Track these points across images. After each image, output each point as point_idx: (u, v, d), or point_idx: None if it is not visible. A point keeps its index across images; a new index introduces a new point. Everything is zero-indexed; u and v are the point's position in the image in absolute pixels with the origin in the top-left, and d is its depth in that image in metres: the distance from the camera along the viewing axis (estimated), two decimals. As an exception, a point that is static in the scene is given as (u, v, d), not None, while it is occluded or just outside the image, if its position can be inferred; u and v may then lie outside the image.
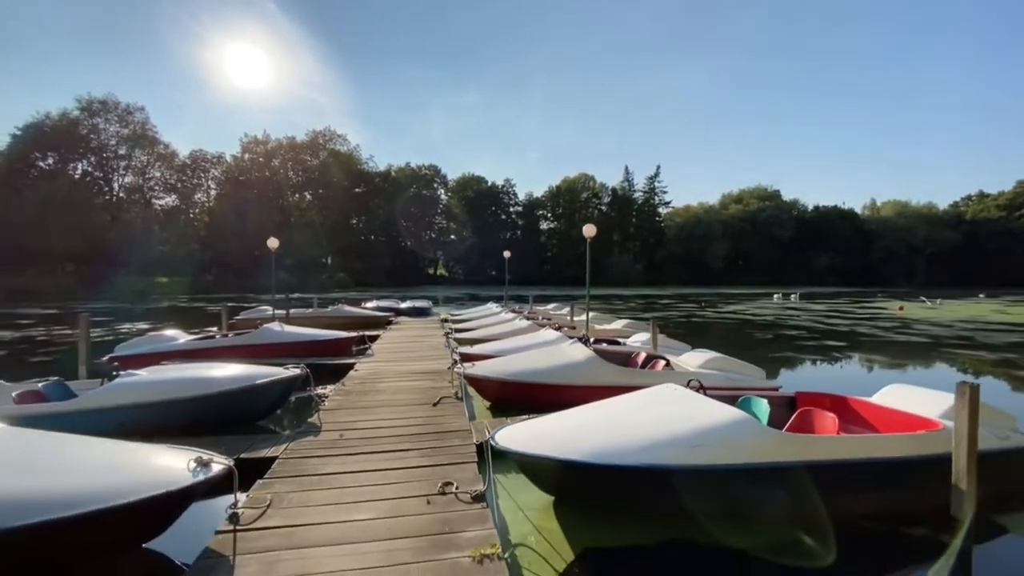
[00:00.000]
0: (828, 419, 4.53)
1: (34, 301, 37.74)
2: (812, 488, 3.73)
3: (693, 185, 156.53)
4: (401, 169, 79.63)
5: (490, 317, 16.82)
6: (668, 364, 7.55)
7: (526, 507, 4.25)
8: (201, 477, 3.47)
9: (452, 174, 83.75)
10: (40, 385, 5.85)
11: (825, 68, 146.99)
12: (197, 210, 70.12)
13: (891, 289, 64.48)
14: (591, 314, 15.85)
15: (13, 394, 5.50)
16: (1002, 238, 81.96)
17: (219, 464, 3.62)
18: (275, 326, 11.23)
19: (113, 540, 3.34)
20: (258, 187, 68.21)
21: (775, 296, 41.57)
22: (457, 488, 4.05)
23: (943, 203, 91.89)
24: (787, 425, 4.75)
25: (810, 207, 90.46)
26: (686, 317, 25.50)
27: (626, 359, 8.26)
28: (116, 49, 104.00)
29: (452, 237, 79.26)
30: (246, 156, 71.96)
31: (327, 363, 9.66)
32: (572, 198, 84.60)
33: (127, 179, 66.75)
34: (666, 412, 4.34)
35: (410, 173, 79.34)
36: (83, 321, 8.26)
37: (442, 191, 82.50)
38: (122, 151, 65.55)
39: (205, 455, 3.66)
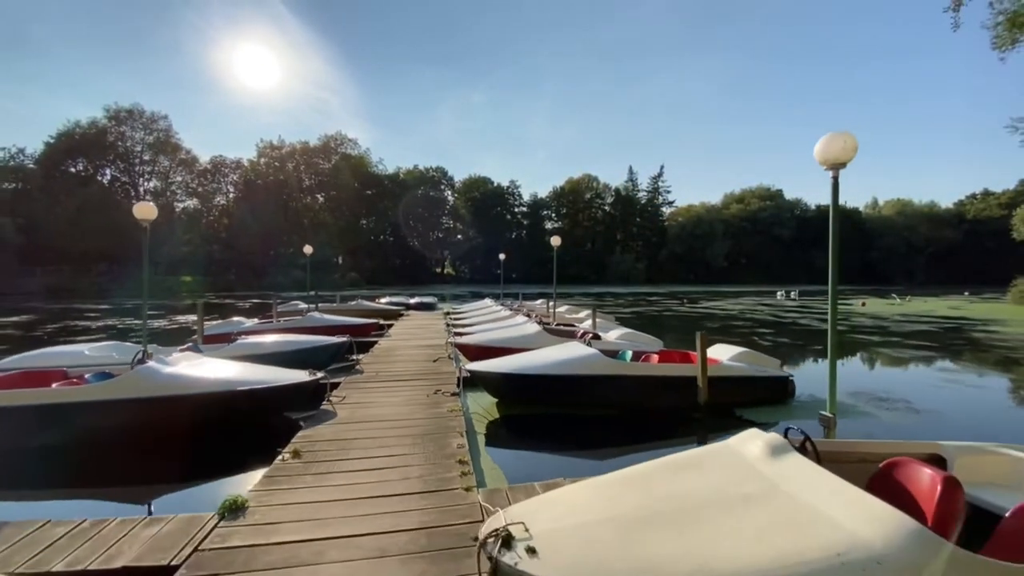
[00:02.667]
0: (655, 358, 7.92)
1: (75, 298, 41.47)
2: (618, 388, 7.16)
3: (697, 184, 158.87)
4: (409, 171, 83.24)
5: (483, 310, 20.25)
6: (596, 336, 10.91)
7: (481, 402, 7.72)
8: (312, 378, 6.93)
9: (458, 174, 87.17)
10: (187, 345, 9.36)
11: (829, 67, 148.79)
12: (217, 212, 74.24)
13: (889, 287, 66.57)
14: (566, 307, 19.50)
15: (176, 351, 9.01)
16: (1003, 237, 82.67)
17: (320, 374, 7.10)
18: (316, 314, 14.80)
19: (277, 406, 6.81)
20: (273, 190, 72.03)
21: (778, 294, 44.71)
22: (443, 392, 7.48)
23: (948, 202, 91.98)
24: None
25: (812, 206, 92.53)
26: (659, 311, 28.80)
27: (572, 334, 11.64)
28: (128, 50, 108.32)
29: (459, 237, 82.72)
30: (262, 160, 75.89)
31: (357, 341, 13.11)
32: (576, 199, 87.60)
33: (151, 183, 70.95)
34: (559, 352, 7.78)
35: (418, 175, 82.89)
36: (200, 306, 11.76)
37: (449, 192, 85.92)
38: (147, 157, 69.85)
39: (311, 372, 7.14)
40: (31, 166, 59.48)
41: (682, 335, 17.14)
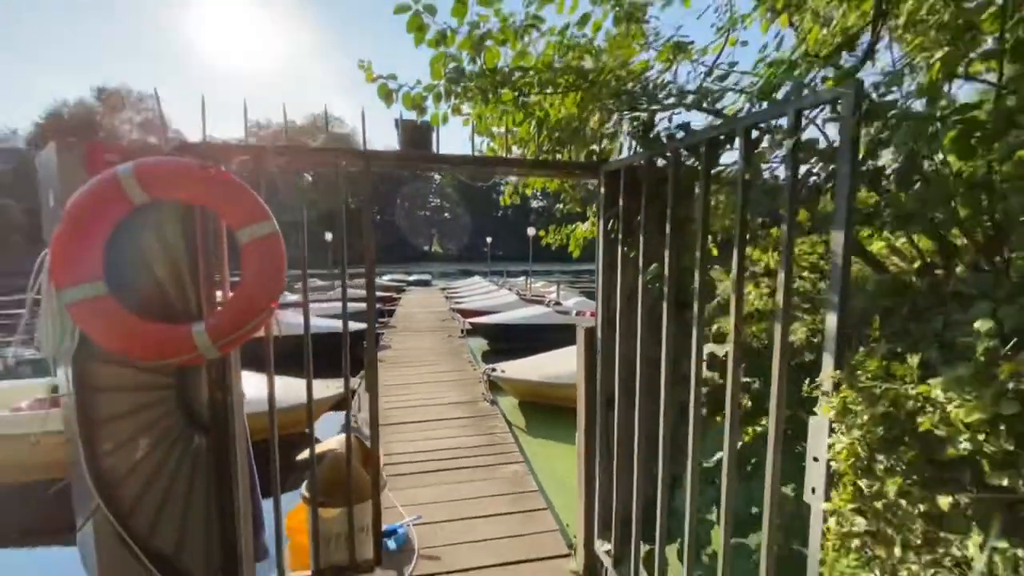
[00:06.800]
0: (589, 315, 12.31)
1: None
2: (561, 331, 11.51)
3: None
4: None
5: (473, 285, 24.52)
6: (559, 303, 15.22)
7: (477, 344, 12.01)
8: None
9: (444, 151, 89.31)
10: (270, 310, 13.46)
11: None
12: (208, 192, 75.90)
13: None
14: (542, 282, 23.83)
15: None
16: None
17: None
18: (344, 288, 18.85)
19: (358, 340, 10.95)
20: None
21: None
22: (452, 337, 11.74)
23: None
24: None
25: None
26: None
27: (541, 302, 15.95)
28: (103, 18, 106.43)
29: (446, 215, 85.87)
30: (250, 141, 77.32)
31: (379, 308, 17.26)
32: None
33: (142, 163, 72.36)
34: (528, 311, 12.09)
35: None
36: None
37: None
38: (136, 136, 71.12)
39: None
40: (24, 148, 60.61)
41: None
